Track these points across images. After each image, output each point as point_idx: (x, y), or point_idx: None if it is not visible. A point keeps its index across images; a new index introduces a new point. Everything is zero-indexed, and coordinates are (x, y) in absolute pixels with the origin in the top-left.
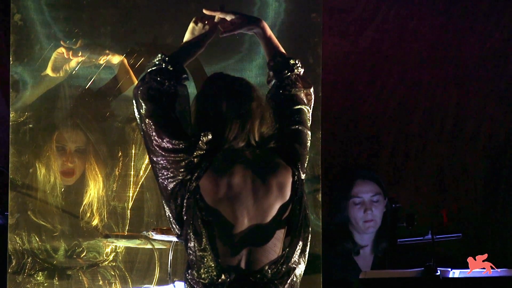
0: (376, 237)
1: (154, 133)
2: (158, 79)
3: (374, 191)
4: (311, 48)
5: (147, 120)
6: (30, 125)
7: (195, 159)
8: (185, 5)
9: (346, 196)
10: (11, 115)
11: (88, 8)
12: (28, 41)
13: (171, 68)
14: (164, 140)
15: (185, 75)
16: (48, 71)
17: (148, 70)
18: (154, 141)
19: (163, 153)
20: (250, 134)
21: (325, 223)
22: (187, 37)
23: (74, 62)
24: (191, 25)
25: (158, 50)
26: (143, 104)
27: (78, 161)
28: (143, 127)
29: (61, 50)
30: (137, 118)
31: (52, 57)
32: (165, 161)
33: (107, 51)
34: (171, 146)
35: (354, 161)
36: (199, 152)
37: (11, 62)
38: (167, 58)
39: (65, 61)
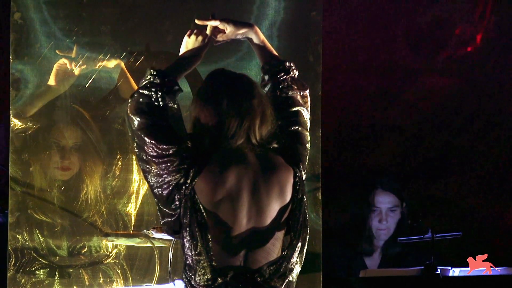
0: (389, 241)
1: (145, 143)
2: (146, 92)
3: (393, 203)
4: (311, 46)
5: (138, 132)
6: (30, 124)
7: (187, 161)
8: (185, 3)
9: (366, 203)
10: (11, 114)
11: (88, 7)
12: (28, 39)
13: (158, 81)
14: (155, 148)
15: (176, 87)
16: (51, 82)
17: (138, 87)
18: (147, 152)
19: (155, 160)
20: (250, 132)
21: (333, 222)
22: (181, 51)
23: (77, 71)
24: (185, 38)
25: (158, 48)
26: (133, 118)
27: (76, 158)
28: (136, 141)
29: (63, 61)
30: (130, 134)
31: (54, 70)
32: (158, 169)
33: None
34: (160, 152)
35: (354, 160)
36: (190, 153)
37: (11, 61)
38: (154, 72)
39: (68, 72)
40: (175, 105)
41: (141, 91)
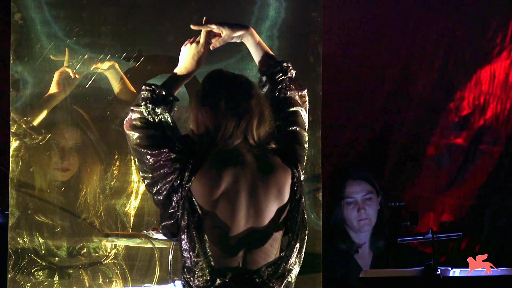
0: (373, 235)
1: (142, 155)
2: (137, 108)
3: (366, 190)
4: (311, 47)
5: (135, 147)
6: (30, 124)
7: (181, 162)
8: (185, 4)
9: (339, 196)
10: (11, 114)
11: (88, 7)
12: (28, 40)
13: (148, 95)
14: (150, 157)
15: (170, 98)
16: (53, 90)
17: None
18: (146, 163)
19: (153, 167)
20: (248, 133)
21: (325, 222)
22: (179, 61)
23: (78, 75)
24: (182, 49)
25: (159, 49)
26: (129, 134)
27: (75, 159)
28: (136, 155)
29: (64, 69)
30: (131, 151)
31: (55, 78)
32: (156, 175)
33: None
34: (155, 158)
35: (354, 160)
36: (183, 154)
37: (11, 61)
38: (145, 87)
39: (69, 80)
40: (170, 115)
41: (132, 107)
